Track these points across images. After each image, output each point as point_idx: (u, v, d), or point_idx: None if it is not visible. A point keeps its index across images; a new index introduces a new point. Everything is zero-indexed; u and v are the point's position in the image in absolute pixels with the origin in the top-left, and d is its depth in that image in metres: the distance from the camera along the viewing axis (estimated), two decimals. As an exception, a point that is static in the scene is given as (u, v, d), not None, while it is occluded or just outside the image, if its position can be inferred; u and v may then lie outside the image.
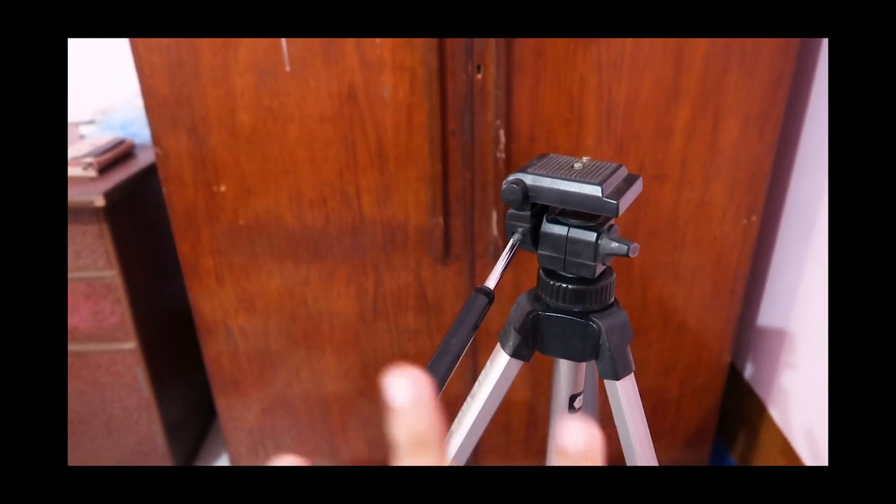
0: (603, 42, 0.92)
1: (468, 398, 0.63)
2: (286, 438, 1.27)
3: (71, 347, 1.22)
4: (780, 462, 1.25)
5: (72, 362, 1.24)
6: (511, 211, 0.54)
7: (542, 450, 1.30)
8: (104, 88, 1.50)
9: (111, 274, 1.15)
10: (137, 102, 1.40)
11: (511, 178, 0.52)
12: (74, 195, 1.04)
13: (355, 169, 1.00)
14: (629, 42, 0.92)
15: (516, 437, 1.27)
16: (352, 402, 1.23)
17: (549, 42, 0.92)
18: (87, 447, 1.35)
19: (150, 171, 1.19)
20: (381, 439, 1.27)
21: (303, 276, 1.09)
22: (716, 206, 1.05)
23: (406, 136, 0.98)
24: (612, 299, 0.56)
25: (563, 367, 0.61)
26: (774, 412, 1.28)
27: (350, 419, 1.25)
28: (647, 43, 0.93)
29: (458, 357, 0.44)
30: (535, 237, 0.54)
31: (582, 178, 0.50)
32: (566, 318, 0.55)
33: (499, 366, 0.60)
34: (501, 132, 0.96)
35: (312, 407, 1.23)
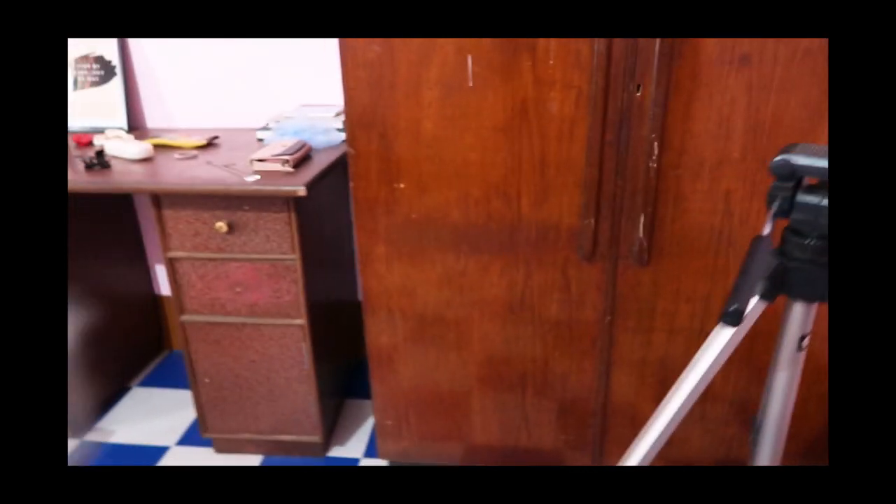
0: (755, 66, 1.02)
1: (712, 335, 0.76)
2: (429, 416, 1.41)
3: (249, 320, 1.42)
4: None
5: (248, 333, 1.44)
6: (776, 183, 0.67)
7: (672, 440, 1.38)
8: (276, 99, 1.72)
9: (293, 257, 1.34)
10: (306, 112, 1.60)
11: (780, 157, 0.66)
12: (277, 185, 1.22)
13: (519, 173, 1.14)
14: (779, 66, 1.02)
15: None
16: (492, 386, 1.35)
17: (704, 65, 1.03)
18: (249, 412, 1.54)
19: (329, 170, 1.37)
20: (514, 424, 1.39)
21: (461, 267, 1.24)
22: (853, 219, 1.12)
23: (567, 145, 1.11)
24: None
25: (798, 310, 0.73)
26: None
27: (488, 402, 1.37)
28: (795, 66, 1.02)
29: (756, 283, 0.58)
30: (790, 204, 0.67)
31: None
32: (810, 268, 0.68)
33: (725, 334, 0.72)
34: (655, 144, 1.07)
35: (455, 388, 1.37)
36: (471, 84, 1.08)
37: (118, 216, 1.83)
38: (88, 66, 1.68)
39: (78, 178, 1.29)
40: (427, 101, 1.11)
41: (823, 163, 0.64)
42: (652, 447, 0.79)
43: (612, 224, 1.16)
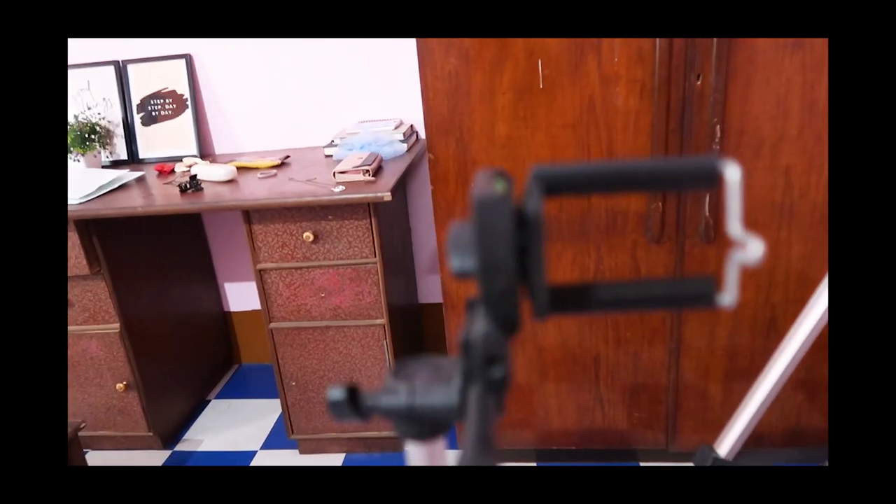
0: (807, 47, 1.10)
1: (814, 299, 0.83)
2: (508, 403, 1.49)
3: (333, 323, 1.51)
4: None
5: (332, 336, 1.53)
6: None
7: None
8: (335, 118, 1.83)
9: (374, 261, 1.43)
10: (368, 127, 1.71)
11: None
12: (364, 193, 1.32)
13: (587, 160, 1.23)
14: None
15: (713, 402, 1.43)
16: (567, 370, 1.43)
17: (760, 50, 1.11)
18: (333, 412, 1.63)
19: (403, 177, 1.47)
20: (589, 406, 1.46)
21: (536, 257, 1.32)
22: (907, 186, 1.19)
23: (633, 136, 1.19)
24: None
25: None
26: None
27: (564, 386, 1.45)
28: (844, 47, 1.10)
29: None
30: None
31: None
32: None
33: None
34: (718, 128, 1.16)
35: (532, 375, 1.45)
36: (541, 86, 1.18)
37: (190, 239, 1.95)
38: (162, 101, 1.81)
39: (176, 201, 1.40)
40: (500, 106, 1.20)
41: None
42: (776, 383, 0.86)
43: (679, 206, 1.24)
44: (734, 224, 0.26)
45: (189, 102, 1.80)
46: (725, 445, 0.91)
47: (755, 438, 1.45)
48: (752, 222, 1.24)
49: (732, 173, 0.26)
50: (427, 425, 0.33)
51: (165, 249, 1.81)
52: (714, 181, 0.27)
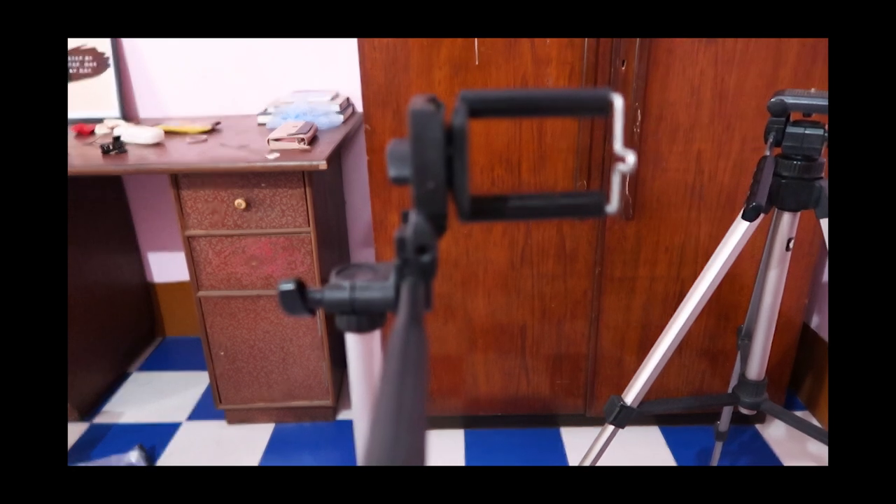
0: (719, 43, 1.20)
1: (713, 257, 0.92)
2: (438, 371, 1.54)
3: (264, 292, 1.51)
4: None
5: (263, 305, 1.53)
6: (771, 119, 0.83)
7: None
8: (267, 87, 1.80)
9: (308, 230, 1.44)
10: (303, 97, 1.69)
11: (775, 98, 0.82)
12: (299, 161, 1.32)
13: (519, 143, 1.28)
14: (740, 42, 1.20)
15: (628, 370, 1.53)
16: (495, 338, 1.50)
17: (678, 42, 1.19)
18: (262, 381, 1.63)
19: (339, 147, 1.48)
20: (515, 373, 1.54)
21: (467, 231, 1.37)
22: (801, 173, 1.31)
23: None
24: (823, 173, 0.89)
25: (786, 217, 0.92)
26: (842, 352, 1.53)
27: (492, 354, 1.52)
28: (752, 43, 1.20)
29: (766, 188, 0.78)
30: (782, 135, 0.82)
31: (819, 96, 0.80)
32: (797, 183, 0.87)
33: (741, 228, 0.89)
34: (639, 112, 1.24)
35: (462, 343, 1.50)
36: (477, 63, 1.21)
37: (109, 206, 1.87)
38: (81, 57, 1.72)
39: (98, 162, 1.35)
40: (437, 80, 1.23)
41: (807, 100, 0.81)
42: (676, 336, 0.94)
43: (602, 184, 1.32)
44: (617, 143, 0.31)
45: (111, 62, 1.72)
46: (631, 395, 0.99)
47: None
48: (666, 203, 1.33)
49: (618, 101, 0.31)
50: (365, 317, 0.36)
51: (83, 216, 1.73)
52: (606, 108, 0.32)
